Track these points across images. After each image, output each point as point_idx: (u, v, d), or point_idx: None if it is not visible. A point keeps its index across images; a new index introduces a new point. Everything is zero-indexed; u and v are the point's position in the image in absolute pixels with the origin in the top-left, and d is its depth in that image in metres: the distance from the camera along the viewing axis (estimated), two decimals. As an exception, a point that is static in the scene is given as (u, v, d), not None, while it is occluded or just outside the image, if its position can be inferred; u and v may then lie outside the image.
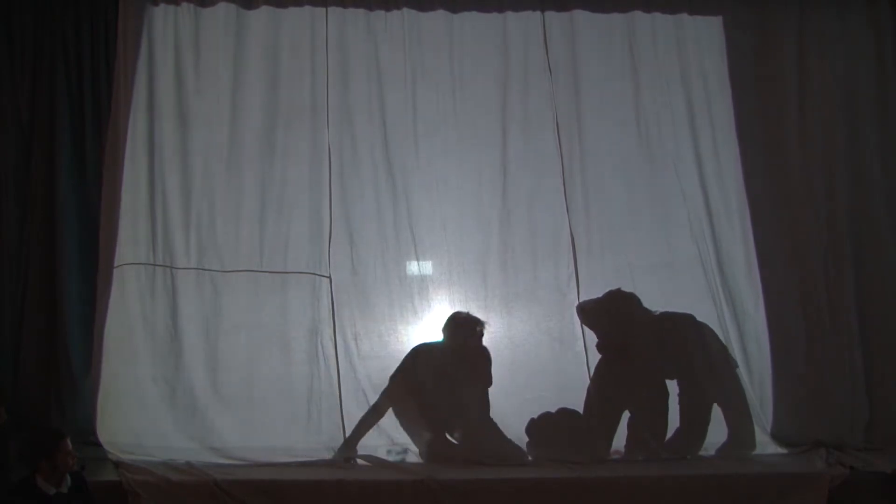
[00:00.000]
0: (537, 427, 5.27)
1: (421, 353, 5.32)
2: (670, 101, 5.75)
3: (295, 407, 5.33)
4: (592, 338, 5.41)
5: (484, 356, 5.33)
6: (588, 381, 5.34)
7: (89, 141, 5.53)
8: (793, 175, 5.70)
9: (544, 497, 4.91)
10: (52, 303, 5.37)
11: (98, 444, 5.06)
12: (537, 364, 5.40)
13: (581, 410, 5.32)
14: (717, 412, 5.33)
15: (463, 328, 5.32)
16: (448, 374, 5.26)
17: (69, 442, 4.18)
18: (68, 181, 5.46)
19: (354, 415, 5.29)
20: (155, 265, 5.42)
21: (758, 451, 5.31)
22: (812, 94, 5.75)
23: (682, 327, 5.39)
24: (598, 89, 5.77)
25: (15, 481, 4.23)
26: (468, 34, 5.78)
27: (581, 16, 5.78)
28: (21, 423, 4.93)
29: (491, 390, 5.29)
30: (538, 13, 5.75)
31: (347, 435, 5.23)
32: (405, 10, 5.74)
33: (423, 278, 5.57)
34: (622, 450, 5.28)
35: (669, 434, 5.31)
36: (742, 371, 5.47)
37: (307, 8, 5.70)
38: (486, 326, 5.34)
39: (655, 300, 5.47)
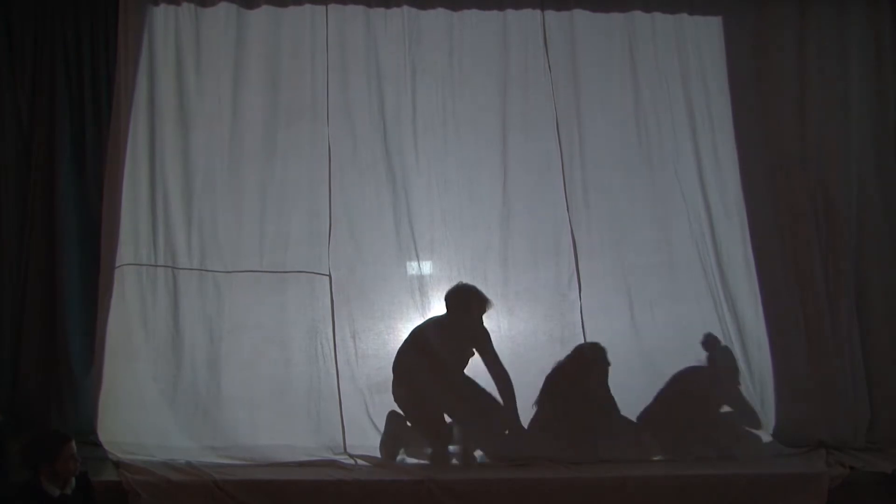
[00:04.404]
0: None
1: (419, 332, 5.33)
2: (670, 100, 5.74)
3: (295, 406, 5.33)
4: (594, 338, 5.41)
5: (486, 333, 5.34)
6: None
7: (89, 141, 5.55)
8: (791, 174, 5.69)
9: (544, 497, 4.91)
10: (52, 303, 5.39)
11: (98, 444, 5.06)
12: (538, 364, 5.36)
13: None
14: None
15: (481, 303, 5.32)
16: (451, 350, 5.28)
17: (73, 445, 4.18)
18: (68, 181, 5.48)
19: (354, 414, 5.30)
20: (156, 266, 5.42)
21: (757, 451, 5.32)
22: (811, 94, 5.74)
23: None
24: (598, 88, 5.76)
25: (20, 482, 4.24)
26: (468, 32, 5.76)
27: (581, 15, 5.77)
28: (21, 423, 4.96)
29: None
30: (538, 12, 5.74)
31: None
32: (405, 7, 5.73)
33: (422, 277, 5.56)
34: None
35: None
36: (744, 371, 5.48)
37: (307, 6, 5.69)
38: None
39: (656, 300, 5.50)
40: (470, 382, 5.29)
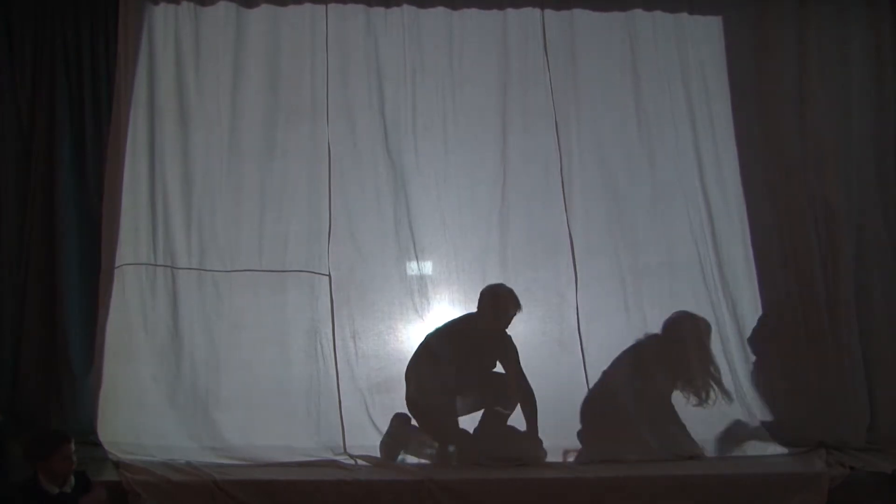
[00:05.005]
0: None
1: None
2: (670, 100, 5.72)
3: (294, 406, 5.32)
4: (591, 339, 5.43)
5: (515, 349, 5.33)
6: (587, 383, 5.36)
7: (89, 141, 5.54)
8: (791, 175, 5.67)
9: (544, 497, 4.91)
10: (52, 303, 5.39)
11: (98, 444, 5.07)
12: (536, 365, 5.34)
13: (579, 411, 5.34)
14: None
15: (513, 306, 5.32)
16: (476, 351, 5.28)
17: (72, 445, 4.20)
18: (68, 181, 5.47)
19: (354, 414, 5.30)
20: (156, 265, 5.42)
21: (757, 451, 5.32)
22: (811, 94, 5.71)
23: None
24: (598, 88, 5.74)
25: (20, 480, 4.26)
26: (468, 31, 5.75)
27: (581, 14, 5.75)
28: (21, 423, 4.97)
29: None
30: (538, 11, 5.72)
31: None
32: (405, 6, 5.71)
33: (422, 277, 5.55)
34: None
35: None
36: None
37: (307, 6, 5.67)
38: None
39: (655, 301, 5.48)
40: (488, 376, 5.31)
